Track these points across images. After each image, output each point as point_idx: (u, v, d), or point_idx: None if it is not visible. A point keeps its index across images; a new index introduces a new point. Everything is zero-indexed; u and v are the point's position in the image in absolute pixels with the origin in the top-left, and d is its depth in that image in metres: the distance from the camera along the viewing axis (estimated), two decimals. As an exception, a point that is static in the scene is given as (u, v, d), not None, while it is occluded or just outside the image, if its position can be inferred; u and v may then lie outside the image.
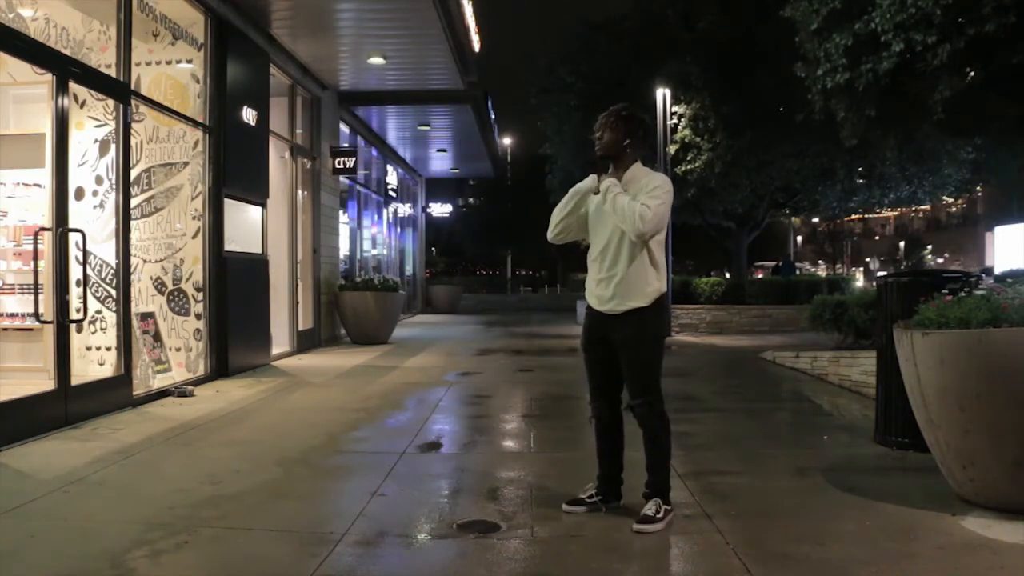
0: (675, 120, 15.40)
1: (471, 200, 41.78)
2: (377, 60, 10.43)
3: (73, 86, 5.64)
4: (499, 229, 36.83)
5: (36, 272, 5.39)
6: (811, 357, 8.53)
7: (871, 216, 48.11)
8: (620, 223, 3.36)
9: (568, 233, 3.64)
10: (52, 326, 5.34)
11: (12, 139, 6.76)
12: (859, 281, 19.97)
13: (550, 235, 3.66)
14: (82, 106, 6.39)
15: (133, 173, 6.70)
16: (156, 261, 7.44)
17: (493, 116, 16.89)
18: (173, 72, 7.59)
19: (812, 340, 10.29)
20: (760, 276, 25.97)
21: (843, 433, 5.31)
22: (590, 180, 3.53)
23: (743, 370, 8.96)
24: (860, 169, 16.46)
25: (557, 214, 3.62)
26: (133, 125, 6.59)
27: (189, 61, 7.69)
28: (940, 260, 46.17)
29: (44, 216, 5.79)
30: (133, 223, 6.65)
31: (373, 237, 16.53)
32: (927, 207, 40.26)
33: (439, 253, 47.32)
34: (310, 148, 11.20)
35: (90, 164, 6.39)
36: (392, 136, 16.30)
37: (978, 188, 29.98)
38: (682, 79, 15.17)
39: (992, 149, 15.11)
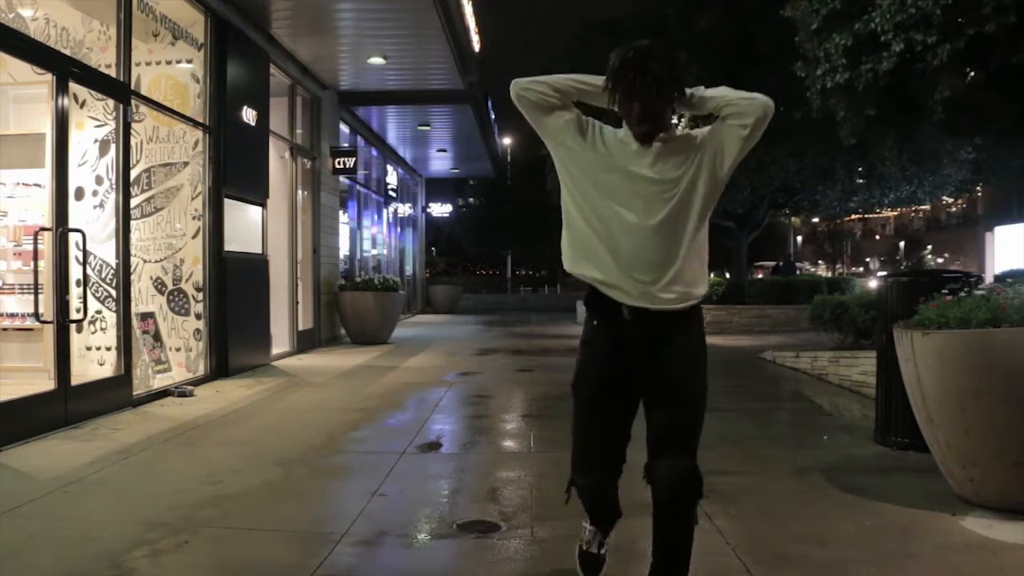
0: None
1: (471, 200, 41.77)
2: (377, 60, 10.43)
3: (73, 86, 5.64)
4: (499, 229, 36.82)
5: (36, 272, 5.39)
6: (811, 357, 8.53)
7: (871, 216, 48.11)
8: (739, 103, 2.27)
9: (539, 107, 2.36)
10: (52, 326, 5.34)
11: (12, 139, 6.77)
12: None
13: (522, 84, 2.37)
14: (82, 106, 6.39)
15: (133, 173, 6.70)
16: (156, 261, 7.44)
17: (493, 116, 16.90)
18: (173, 72, 7.59)
19: (812, 340, 10.30)
20: (760, 276, 25.99)
21: (843, 433, 5.31)
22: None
23: (743, 370, 8.96)
24: (860, 169, 16.47)
25: (551, 79, 2.37)
26: (133, 125, 6.59)
27: (189, 61, 7.69)
28: (940, 260, 46.17)
29: (44, 216, 5.79)
30: (133, 223, 6.65)
31: (373, 237, 16.53)
32: (927, 207, 40.26)
33: (439, 253, 47.30)
34: (310, 148, 11.20)
35: (90, 164, 6.39)
36: (392, 136, 16.31)
37: (978, 188, 29.98)
38: (682, 79, 15.15)
39: (992, 149, 15.11)
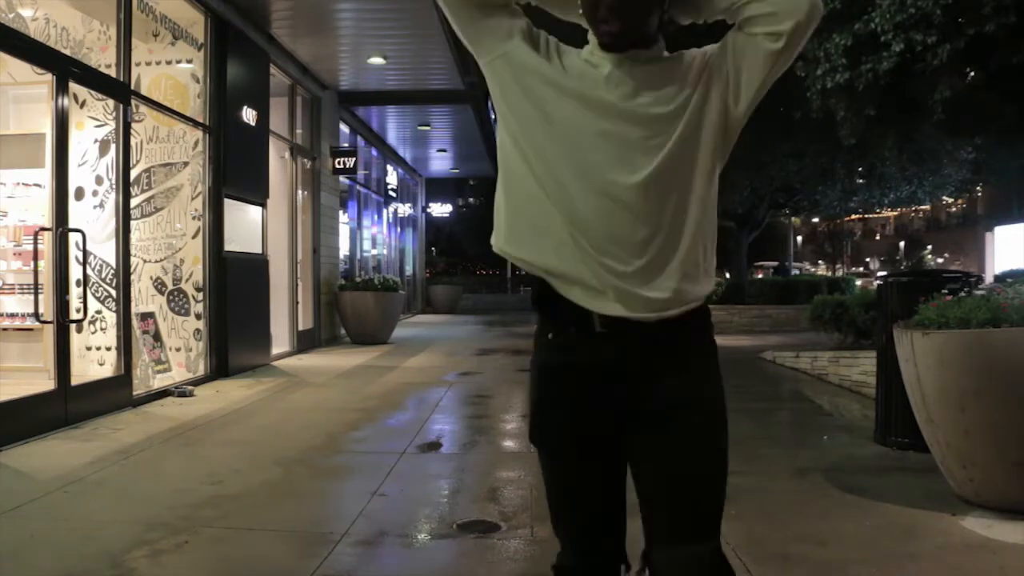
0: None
1: (471, 200, 41.79)
2: (377, 60, 10.44)
3: (73, 86, 5.65)
4: (499, 229, 36.76)
5: (36, 272, 5.40)
6: (811, 357, 8.53)
7: (871, 216, 48.12)
8: None
9: (470, 5, 1.59)
10: (52, 326, 5.34)
11: (12, 139, 6.77)
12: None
13: None
14: (82, 106, 6.40)
15: (133, 173, 6.70)
16: (156, 261, 7.44)
17: (493, 116, 16.88)
18: (173, 72, 7.59)
19: (812, 340, 10.29)
20: (760, 276, 26.07)
21: (843, 433, 5.31)
22: None
23: (743, 370, 8.95)
24: (860, 169, 16.51)
25: None
26: (133, 125, 6.60)
27: (189, 61, 7.69)
28: (940, 260, 46.20)
29: (44, 216, 5.79)
30: (133, 223, 6.65)
31: (373, 237, 16.54)
32: (927, 207, 40.29)
33: (439, 253, 47.32)
34: (310, 148, 11.20)
35: (90, 164, 6.39)
36: (392, 136, 16.31)
37: (978, 188, 30.02)
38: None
39: (992, 149, 15.12)
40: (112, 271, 6.27)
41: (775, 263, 30.95)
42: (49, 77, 5.39)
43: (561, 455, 1.62)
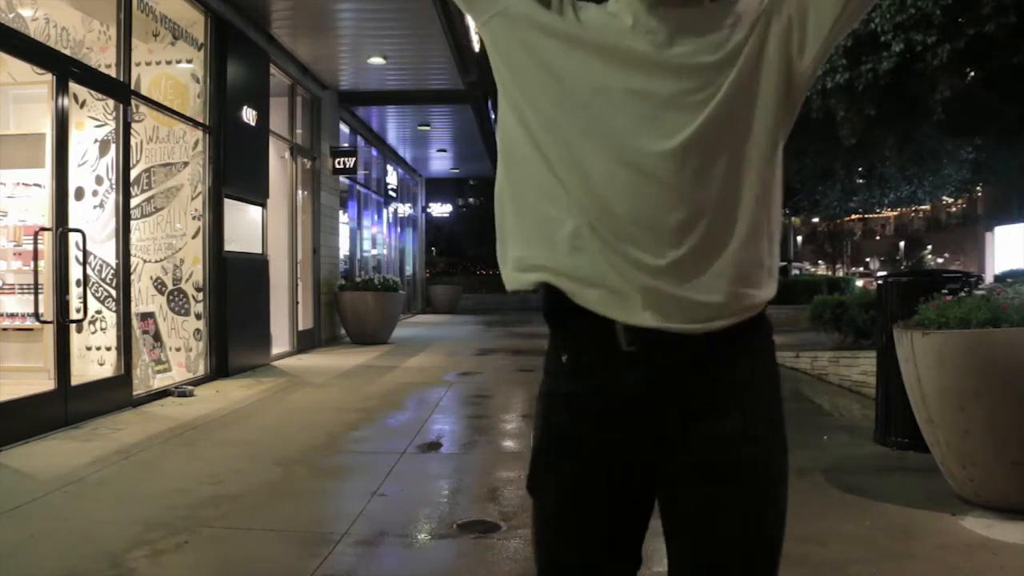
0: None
1: (471, 200, 41.80)
2: (377, 60, 10.44)
3: (73, 86, 5.65)
4: (499, 229, 36.75)
5: (36, 272, 5.40)
6: (811, 357, 8.53)
7: (871, 216, 48.12)
8: None
9: None
10: (52, 326, 5.34)
11: (12, 139, 6.77)
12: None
13: None
14: (82, 106, 6.40)
15: (133, 173, 6.70)
16: (156, 261, 7.45)
17: (493, 116, 16.89)
18: (173, 72, 7.59)
19: (812, 340, 10.29)
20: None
21: (843, 433, 5.31)
22: None
23: (743, 370, 8.95)
24: (860, 169, 16.53)
25: None
26: (133, 125, 6.60)
27: (189, 61, 7.69)
28: (940, 260, 46.20)
29: (44, 216, 5.79)
30: (133, 223, 6.65)
31: (373, 237, 16.54)
32: (927, 207, 40.30)
33: (439, 253, 47.31)
34: (310, 148, 11.20)
35: (90, 164, 6.39)
36: (392, 136, 16.31)
37: (978, 188, 30.04)
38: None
39: (992, 149, 15.14)
40: (112, 271, 6.27)
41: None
42: (49, 77, 5.39)
43: (562, 514, 1.24)
